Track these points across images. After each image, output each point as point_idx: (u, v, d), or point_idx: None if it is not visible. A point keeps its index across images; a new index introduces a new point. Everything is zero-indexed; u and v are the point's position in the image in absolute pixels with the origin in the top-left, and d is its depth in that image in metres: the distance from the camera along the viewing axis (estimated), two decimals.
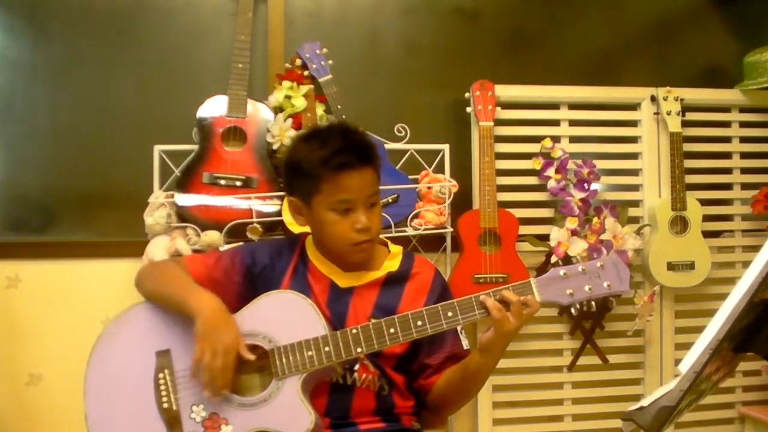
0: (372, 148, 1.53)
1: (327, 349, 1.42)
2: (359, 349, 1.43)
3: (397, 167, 2.38)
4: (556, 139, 2.51)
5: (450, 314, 1.43)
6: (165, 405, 1.44)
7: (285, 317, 1.46)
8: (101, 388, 1.47)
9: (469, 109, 2.44)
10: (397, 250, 1.65)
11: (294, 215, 1.59)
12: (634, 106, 2.60)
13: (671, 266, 2.49)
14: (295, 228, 2.01)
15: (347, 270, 1.57)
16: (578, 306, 2.45)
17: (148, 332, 1.50)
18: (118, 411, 1.46)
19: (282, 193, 2.17)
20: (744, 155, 2.68)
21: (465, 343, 1.59)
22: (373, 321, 1.45)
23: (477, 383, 1.54)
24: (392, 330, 1.43)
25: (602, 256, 2.38)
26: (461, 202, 2.42)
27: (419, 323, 1.43)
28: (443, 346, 1.56)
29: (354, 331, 1.43)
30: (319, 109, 2.32)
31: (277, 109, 2.30)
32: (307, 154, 1.49)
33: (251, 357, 1.41)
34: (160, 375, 1.46)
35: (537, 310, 1.40)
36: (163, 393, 1.45)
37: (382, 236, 1.66)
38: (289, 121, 2.26)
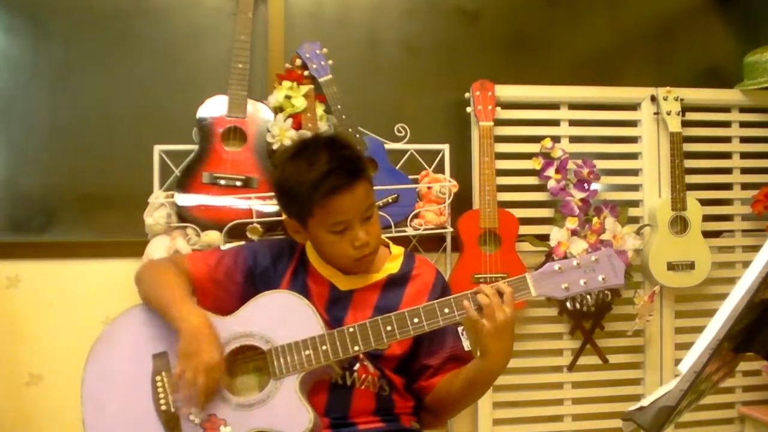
0: (361, 161, 1.49)
1: (324, 348, 1.42)
2: (356, 348, 1.42)
3: (397, 167, 2.38)
4: (556, 139, 2.51)
5: (446, 311, 1.42)
6: (163, 407, 1.44)
7: (282, 317, 1.46)
8: (98, 391, 1.47)
9: (469, 109, 2.44)
10: (398, 251, 1.65)
11: (293, 234, 1.58)
12: (634, 106, 2.60)
13: (671, 266, 2.49)
14: None
15: (347, 273, 1.57)
16: (578, 306, 2.45)
17: (145, 335, 1.50)
18: (115, 414, 1.45)
19: None
20: (744, 155, 2.68)
21: (466, 344, 1.57)
22: (370, 319, 1.44)
23: (476, 389, 1.52)
24: (389, 328, 1.42)
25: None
26: (461, 202, 2.42)
27: (416, 320, 1.42)
28: (444, 346, 1.56)
29: (351, 329, 1.43)
30: (319, 109, 2.32)
31: (277, 109, 2.30)
32: (295, 177, 1.45)
33: (222, 382, 1.40)
34: (158, 377, 1.46)
35: (510, 294, 1.38)
36: (161, 395, 1.44)
37: (383, 236, 1.66)
38: (289, 121, 2.26)
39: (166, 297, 1.48)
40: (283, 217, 1.58)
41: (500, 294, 1.39)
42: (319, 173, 1.42)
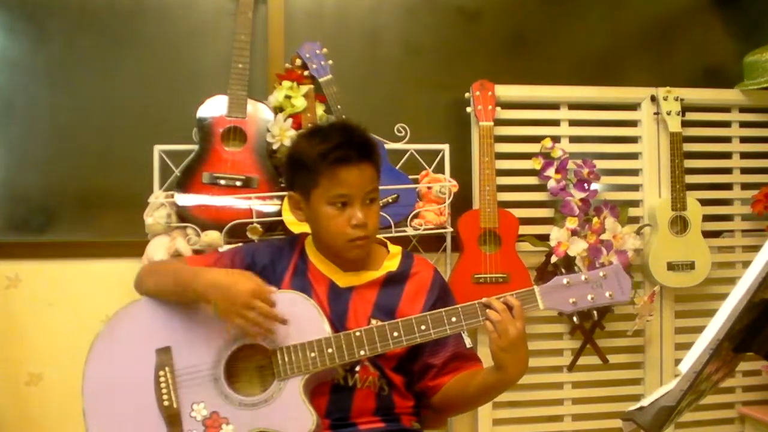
0: (372, 146, 1.54)
1: (330, 350, 1.43)
2: (362, 352, 1.43)
3: (397, 167, 2.38)
4: (556, 139, 2.51)
5: (454, 319, 1.43)
6: (165, 403, 1.44)
7: (288, 317, 1.46)
8: (100, 385, 1.47)
9: (469, 109, 2.44)
10: (396, 250, 1.65)
11: (293, 210, 1.60)
12: (634, 106, 2.60)
13: (671, 266, 2.49)
14: (296, 228, 2.01)
15: (347, 270, 1.58)
16: None
17: (148, 329, 1.50)
18: (117, 408, 1.46)
19: (282, 194, 2.18)
20: (744, 155, 2.67)
21: (467, 342, 1.59)
22: (377, 324, 1.45)
23: (488, 396, 1.54)
24: (396, 334, 1.43)
25: (603, 259, 2.38)
26: (461, 202, 2.42)
27: (423, 327, 1.43)
28: (446, 345, 1.56)
29: (357, 333, 1.43)
30: (319, 109, 2.32)
31: (277, 109, 2.30)
32: (307, 148, 1.51)
33: (274, 290, 1.43)
34: (161, 373, 1.46)
35: (520, 308, 1.39)
36: (164, 391, 1.45)
37: (381, 236, 1.67)
38: (289, 121, 2.26)
39: (172, 273, 1.50)
40: (285, 205, 1.59)
41: (509, 307, 1.39)
42: (330, 145, 1.48)
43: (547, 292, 1.43)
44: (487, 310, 1.40)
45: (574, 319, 2.47)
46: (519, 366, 1.41)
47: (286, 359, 1.43)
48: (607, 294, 1.42)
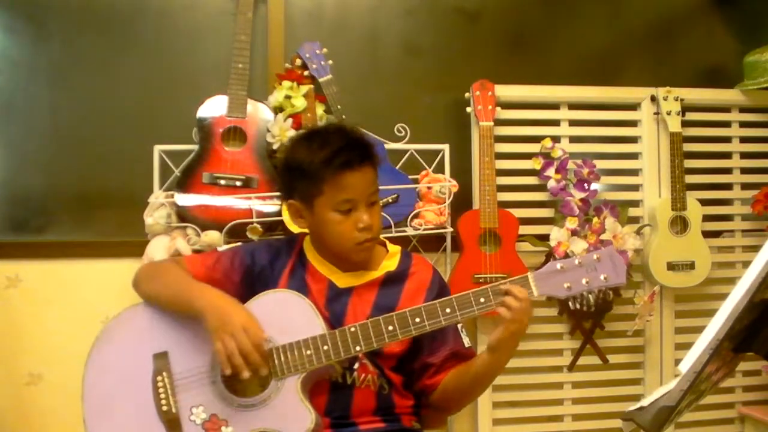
0: (371, 147, 1.54)
1: (326, 347, 1.42)
2: (358, 348, 1.43)
3: (397, 167, 2.38)
4: (556, 139, 2.51)
5: (448, 310, 1.43)
6: (164, 408, 1.44)
7: (283, 317, 1.46)
8: (99, 391, 1.47)
9: (469, 109, 2.44)
10: (395, 249, 1.66)
11: (294, 219, 1.59)
12: (634, 106, 2.60)
13: (671, 266, 2.48)
14: (296, 228, 2.01)
15: (346, 270, 1.58)
16: (578, 305, 2.45)
17: (146, 334, 1.50)
18: (116, 414, 1.46)
19: None
20: (744, 155, 2.67)
21: (466, 341, 1.59)
22: (372, 319, 1.45)
23: (484, 384, 1.55)
24: (390, 327, 1.43)
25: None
26: (461, 202, 2.42)
27: (417, 320, 1.43)
28: (445, 344, 1.56)
29: (353, 329, 1.43)
30: (319, 109, 2.32)
31: (277, 109, 2.30)
32: (307, 155, 1.49)
33: (264, 335, 1.41)
34: (159, 378, 1.46)
35: (525, 297, 1.40)
36: (162, 396, 1.45)
37: (380, 236, 1.66)
38: (289, 121, 2.26)
39: (177, 289, 1.49)
40: (284, 204, 1.59)
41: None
42: (332, 150, 1.46)
43: (542, 279, 1.42)
44: (507, 297, 1.40)
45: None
46: (512, 351, 1.45)
47: (283, 358, 1.43)
48: (602, 277, 1.41)
